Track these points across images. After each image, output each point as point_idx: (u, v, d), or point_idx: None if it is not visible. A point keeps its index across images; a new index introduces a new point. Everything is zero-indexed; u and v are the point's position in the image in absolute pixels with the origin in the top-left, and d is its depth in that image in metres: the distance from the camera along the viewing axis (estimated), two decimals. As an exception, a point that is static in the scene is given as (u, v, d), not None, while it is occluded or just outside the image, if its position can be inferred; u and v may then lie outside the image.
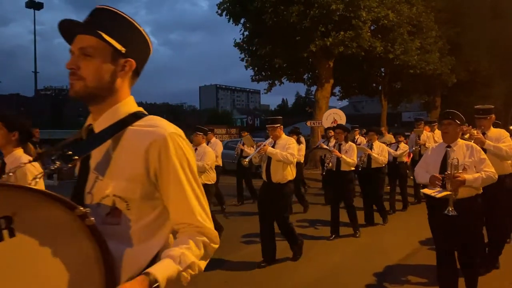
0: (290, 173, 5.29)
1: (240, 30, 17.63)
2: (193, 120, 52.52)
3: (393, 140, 9.35)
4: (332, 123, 13.43)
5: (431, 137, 9.20)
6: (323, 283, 4.69)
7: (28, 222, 1.06)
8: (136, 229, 1.24)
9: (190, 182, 1.27)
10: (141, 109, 1.35)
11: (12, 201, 1.05)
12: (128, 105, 1.31)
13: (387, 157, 7.47)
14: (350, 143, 6.75)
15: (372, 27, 16.43)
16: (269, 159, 5.28)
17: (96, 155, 1.25)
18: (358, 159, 7.03)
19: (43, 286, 1.08)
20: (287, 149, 5.18)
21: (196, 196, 1.28)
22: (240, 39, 17.93)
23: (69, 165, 1.20)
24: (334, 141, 7.42)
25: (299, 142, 8.53)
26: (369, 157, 7.37)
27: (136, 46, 1.31)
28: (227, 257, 5.46)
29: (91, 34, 1.23)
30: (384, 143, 8.10)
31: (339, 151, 6.55)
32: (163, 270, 1.14)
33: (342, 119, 14.22)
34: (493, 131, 4.80)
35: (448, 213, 3.44)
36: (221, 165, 8.66)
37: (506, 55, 21.73)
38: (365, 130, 10.31)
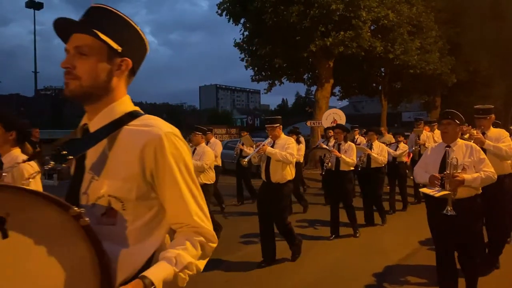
0: (290, 173, 5.28)
1: (240, 30, 17.64)
2: (193, 120, 52.46)
3: (393, 140, 9.34)
4: (331, 123, 13.43)
5: (431, 137, 9.19)
6: (323, 283, 4.67)
7: (21, 223, 1.05)
8: (132, 229, 1.23)
9: (186, 182, 1.26)
10: (137, 108, 1.34)
11: (5, 202, 1.04)
12: (124, 104, 1.30)
13: (386, 157, 7.47)
14: (349, 143, 6.75)
15: (372, 27, 16.41)
16: (268, 159, 5.27)
17: (92, 155, 1.24)
18: (358, 159, 7.03)
19: (37, 287, 1.07)
20: (286, 149, 5.17)
21: (192, 196, 1.27)
22: (240, 39, 17.94)
23: (63, 165, 1.18)
24: (334, 141, 7.41)
25: (298, 142, 8.53)
26: (369, 157, 7.37)
27: (133, 45, 1.30)
28: (227, 257, 5.46)
29: (86, 33, 1.22)
30: (383, 143, 8.09)
31: (339, 151, 6.55)
32: (158, 272, 1.14)
33: (341, 119, 14.21)
34: (493, 131, 4.79)
35: (447, 213, 3.43)
36: (220, 165, 8.65)
37: (506, 55, 21.68)
38: (364, 130, 10.31)
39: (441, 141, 3.87)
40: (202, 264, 1.26)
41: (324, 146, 7.80)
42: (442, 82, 22.32)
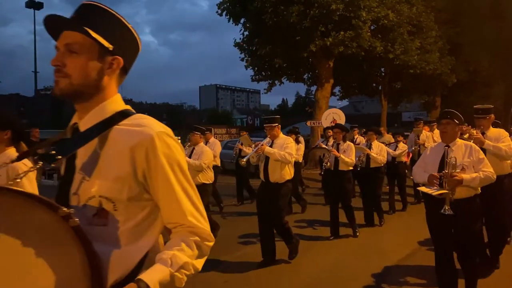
0: (288, 173, 5.27)
1: (240, 30, 17.65)
2: (193, 120, 52.47)
3: (392, 140, 9.32)
4: (331, 122, 13.42)
5: (430, 137, 9.18)
6: (322, 284, 4.66)
7: (8, 225, 1.03)
8: (124, 230, 1.21)
9: (180, 182, 1.24)
10: (128, 107, 1.32)
11: None
12: (115, 103, 1.28)
13: (386, 156, 7.46)
14: (348, 142, 6.74)
15: (372, 27, 16.41)
16: (267, 158, 5.25)
17: (82, 154, 1.22)
18: (357, 159, 7.01)
19: None
20: (285, 149, 5.15)
21: (187, 195, 1.26)
22: (240, 39, 17.95)
23: (52, 165, 1.16)
24: (333, 140, 7.40)
25: (297, 142, 8.51)
26: (368, 157, 7.36)
27: (124, 43, 1.28)
28: (226, 257, 5.44)
29: (77, 31, 1.20)
30: (383, 143, 8.09)
31: (337, 150, 6.53)
32: (153, 274, 1.12)
33: (341, 118, 14.20)
34: (493, 131, 4.78)
35: (444, 212, 3.42)
36: (219, 165, 8.64)
37: (506, 55, 21.68)
38: (364, 130, 10.30)
39: (440, 141, 3.86)
40: (199, 263, 1.24)
41: (323, 146, 7.79)
42: (442, 82, 22.30)
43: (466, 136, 4.68)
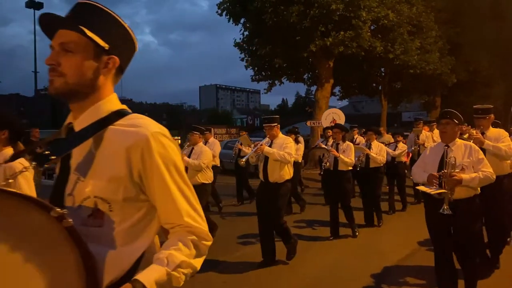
0: (288, 173, 5.25)
1: (240, 30, 17.65)
2: (193, 120, 52.49)
3: (392, 140, 9.31)
4: (331, 122, 13.41)
5: (430, 137, 9.17)
6: (322, 284, 4.65)
7: (0, 226, 1.02)
8: (120, 231, 1.20)
9: (176, 182, 1.23)
10: (124, 106, 1.30)
11: None
12: (111, 102, 1.27)
13: (385, 156, 7.45)
14: (347, 142, 6.73)
15: (372, 27, 16.41)
16: (266, 158, 5.24)
17: (77, 155, 1.21)
18: (356, 158, 7.01)
19: None
20: (284, 149, 5.14)
21: (183, 195, 1.24)
22: (240, 39, 17.94)
23: (46, 166, 1.15)
24: (332, 140, 7.39)
25: (297, 141, 8.50)
26: (368, 157, 7.35)
27: (121, 43, 1.27)
28: (225, 257, 5.43)
29: (72, 29, 1.19)
30: (382, 143, 8.08)
31: (337, 150, 6.52)
32: (149, 274, 1.12)
33: (341, 118, 14.20)
34: (492, 131, 4.77)
35: (443, 212, 3.42)
36: (218, 165, 8.63)
37: (506, 55, 21.67)
38: (364, 129, 10.29)
39: (440, 141, 3.85)
40: (197, 262, 1.23)
41: (323, 145, 7.79)
42: (442, 82, 22.30)
43: (465, 136, 4.67)
